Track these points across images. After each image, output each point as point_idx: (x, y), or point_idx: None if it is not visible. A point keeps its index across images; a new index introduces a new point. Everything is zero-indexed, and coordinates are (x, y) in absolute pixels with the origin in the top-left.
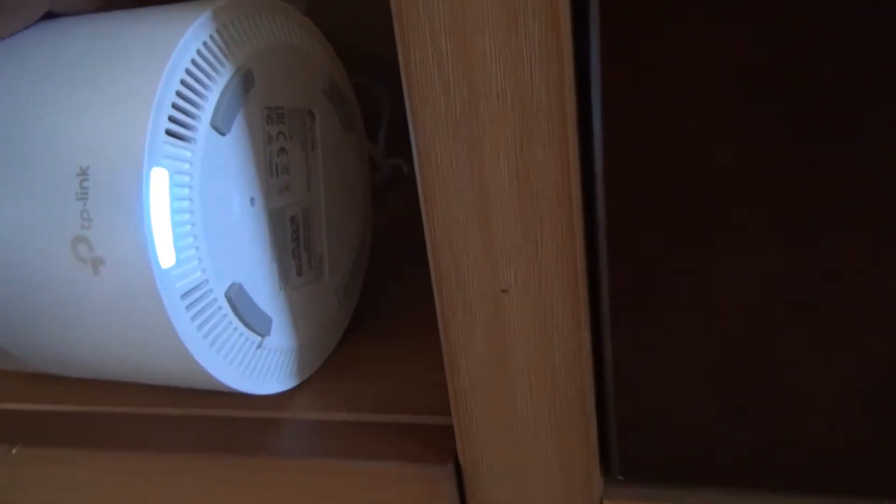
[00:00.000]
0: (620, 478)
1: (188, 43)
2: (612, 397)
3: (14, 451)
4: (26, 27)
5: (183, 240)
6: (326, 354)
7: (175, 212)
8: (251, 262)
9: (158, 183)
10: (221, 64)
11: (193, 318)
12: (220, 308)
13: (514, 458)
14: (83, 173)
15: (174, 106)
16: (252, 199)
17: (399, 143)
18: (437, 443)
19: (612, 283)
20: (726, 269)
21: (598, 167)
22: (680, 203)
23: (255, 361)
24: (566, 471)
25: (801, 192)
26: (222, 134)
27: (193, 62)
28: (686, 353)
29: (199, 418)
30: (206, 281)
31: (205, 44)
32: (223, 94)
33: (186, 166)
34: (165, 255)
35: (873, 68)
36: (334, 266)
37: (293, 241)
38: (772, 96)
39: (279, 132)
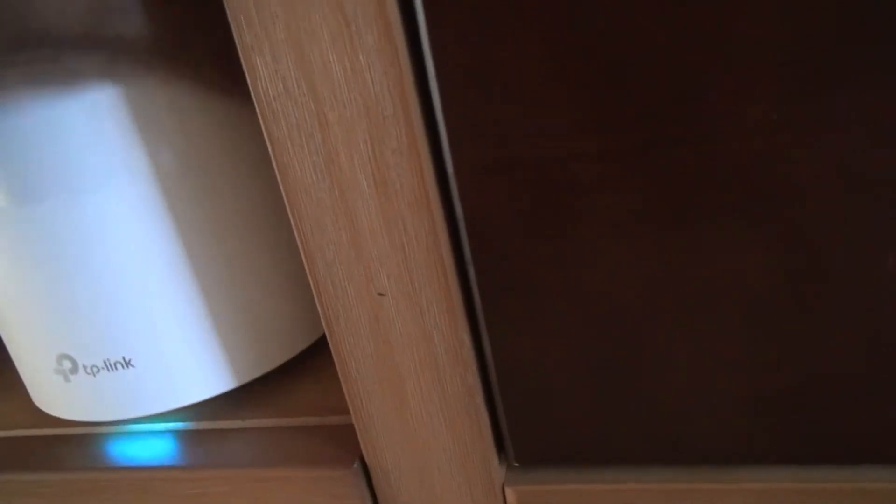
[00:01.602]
0: (517, 465)
1: None
2: (497, 388)
3: None
4: None
5: None
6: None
7: None
8: None
9: None
10: None
11: None
12: None
13: (413, 455)
14: None
15: None
16: None
17: None
18: (346, 444)
19: (479, 278)
20: (585, 254)
21: (449, 167)
22: (531, 194)
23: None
24: (465, 463)
25: (643, 176)
26: None
27: None
28: (560, 338)
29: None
30: None
31: None
32: None
33: None
34: None
35: (700, 44)
36: None
37: None
38: (599, 83)
39: None
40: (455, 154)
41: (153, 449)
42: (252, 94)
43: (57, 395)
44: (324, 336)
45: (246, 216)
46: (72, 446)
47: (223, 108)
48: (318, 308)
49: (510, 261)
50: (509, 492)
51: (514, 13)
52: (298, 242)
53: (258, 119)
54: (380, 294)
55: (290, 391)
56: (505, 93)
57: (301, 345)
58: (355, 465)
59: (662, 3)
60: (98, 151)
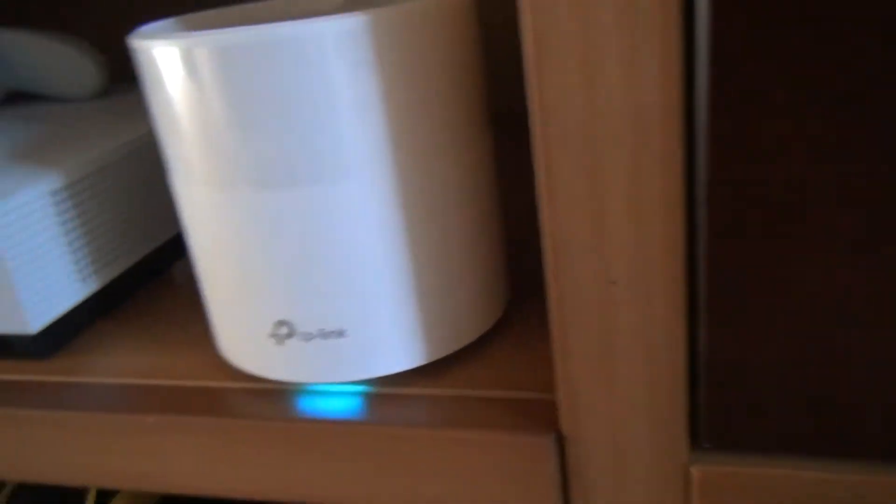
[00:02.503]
0: (707, 446)
1: None
2: (703, 377)
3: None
4: None
5: None
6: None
7: None
8: None
9: None
10: None
11: None
12: None
13: (610, 431)
14: None
15: None
16: None
17: None
18: (539, 416)
19: (709, 276)
20: (817, 267)
21: (702, 174)
22: (778, 207)
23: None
24: (657, 442)
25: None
26: None
27: None
28: (775, 337)
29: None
30: None
31: None
32: None
33: None
34: None
35: None
36: None
37: None
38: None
39: None
40: (711, 164)
41: (346, 406)
42: (534, 105)
43: (265, 357)
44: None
45: (462, 191)
46: (266, 398)
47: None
48: (551, 291)
49: (741, 262)
50: (695, 471)
51: (797, 34)
52: (546, 230)
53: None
54: (611, 282)
55: (479, 364)
56: (773, 109)
57: (492, 320)
58: (551, 435)
59: None
60: (346, 136)
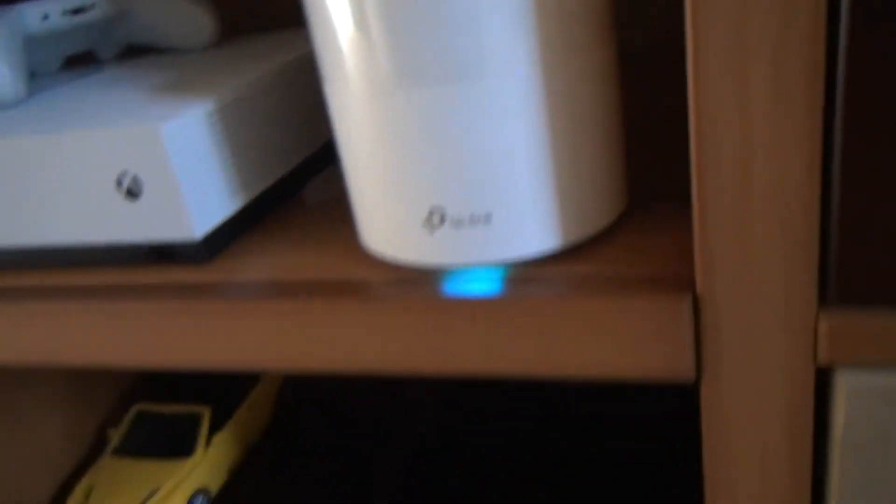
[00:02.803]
0: (836, 301)
1: None
2: (835, 234)
3: None
4: None
5: None
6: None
7: None
8: None
9: None
10: None
11: None
12: None
13: (745, 290)
14: None
15: None
16: None
17: None
18: (675, 284)
19: (845, 137)
20: None
21: (843, 41)
22: None
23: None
24: (789, 299)
25: None
26: None
27: None
28: None
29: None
30: None
31: None
32: None
33: None
34: None
35: None
36: None
37: None
38: None
39: None
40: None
41: (491, 286)
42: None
43: (417, 245)
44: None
45: (596, 85)
46: (416, 284)
47: None
48: (694, 154)
49: (877, 118)
50: (823, 326)
51: None
52: (691, 100)
53: None
54: (749, 151)
55: (612, 247)
56: None
57: (620, 209)
58: (687, 297)
59: None
60: (495, 34)
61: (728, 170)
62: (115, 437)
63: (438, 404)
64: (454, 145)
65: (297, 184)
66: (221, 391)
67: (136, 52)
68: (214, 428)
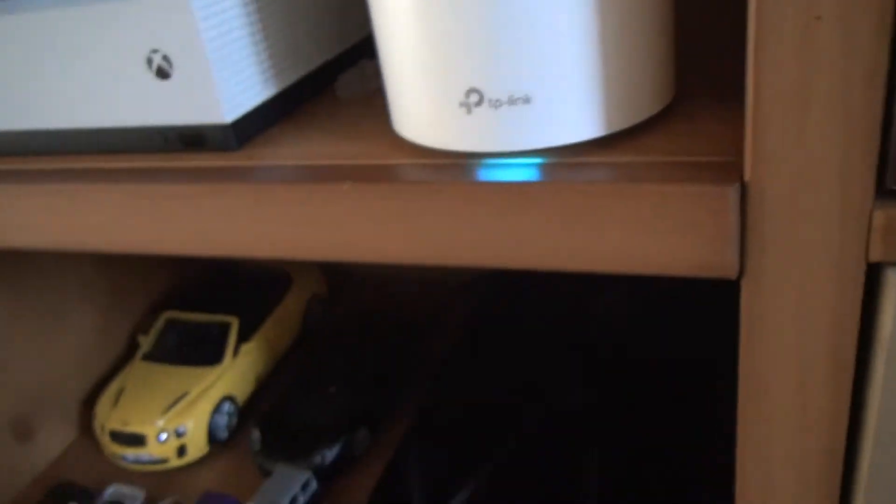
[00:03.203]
0: (892, 191)
1: None
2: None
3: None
4: None
5: None
6: None
7: None
8: None
9: None
10: None
11: None
12: None
13: (797, 178)
14: None
15: None
16: None
17: None
18: (721, 173)
19: None
20: None
21: None
22: None
23: None
24: (843, 188)
25: None
26: None
27: None
28: None
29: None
30: None
31: None
32: None
33: None
34: None
35: None
36: None
37: None
38: None
39: None
40: None
41: (528, 172)
42: None
43: (453, 128)
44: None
45: None
46: (452, 169)
47: None
48: (750, 29)
49: None
50: (878, 215)
51: None
52: None
53: None
54: (816, 18)
55: (656, 137)
56: None
57: (667, 99)
58: (735, 185)
59: None
60: None
61: (789, 38)
62: (146, 342)
63: (469, 309)
64: (494, 19)
65: (330, 78)
66: (250, 303)
67: None
68: (242, 338)
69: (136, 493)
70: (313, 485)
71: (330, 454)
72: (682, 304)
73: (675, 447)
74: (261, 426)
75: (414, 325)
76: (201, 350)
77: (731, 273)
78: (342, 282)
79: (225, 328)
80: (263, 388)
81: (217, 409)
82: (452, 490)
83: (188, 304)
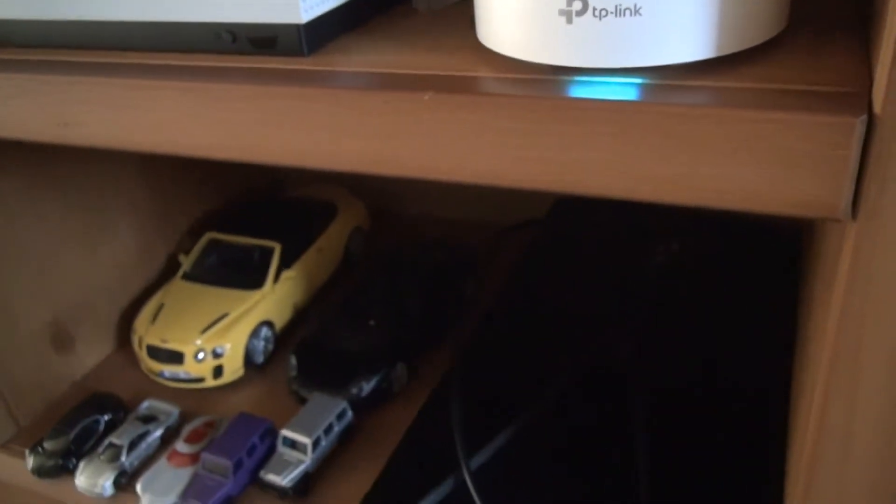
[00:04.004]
0: None
1: None
2: None
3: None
4: None
5: None
6: None
7: None
8: None
9: None
10: None
11: None
12: None
13: None
14: None
15: None
16: None
17: None
18: (843, 104)
19: None
20: None
21: None
22: None
23: None
24: None
25: None
26: None
27: None
28: None
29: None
30: None
31: None
32: None
33: None
34: None
35: None
36: None
37: None
38: None
39: None
40: None
41: (630, 91)
42: None
43: (551, 39)
44: None
45: None
46: (545, 84)
47: None
48: None
49: None
50: None
51: None
52: None
53: None
54: None
55: (770, 63)
56: None
57: (782, 25)
58: (860, 117)
59: None
60: None
61: None
62: (187, 262)
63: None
64: None
65: None
66: (294, 230)
67: None
68: (284, 264)
69: (170, 410)
70: (349, 415)
71: (367, 386)
72: (741, 261)
73: (725, 403)
74: (298, 353)
75: (460, 264)
76: (242, 273)
77: (840, 214)
78: (384, 218)
79: (267, 253)
80: (302, 316)
81: (255, 333)
82: (489, 436)
83: (232, 228)
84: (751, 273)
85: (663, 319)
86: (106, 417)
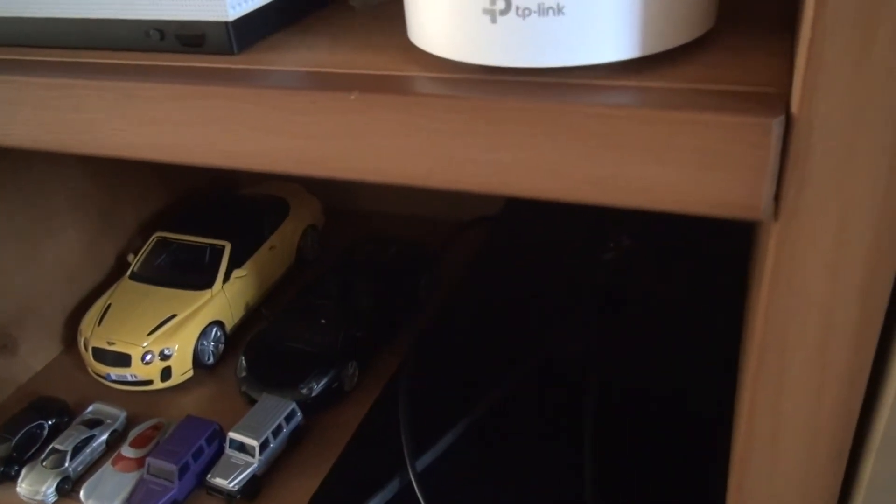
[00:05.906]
0: None
1: None
2: None
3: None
4: None
5: None
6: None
7: None
8: None
9: None
10: None
11: None
12: None
13: (851, 109)
14: None
15: None
16: None
17: None
18: (761, 104)
19: None
20: None
21: None
22: None
23: None
24: None
25: None
26: None
27: None
28: None
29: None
30: None
31: None
32: None
33: None
34: None
35: None
36: None
37: None
38: None
39: None
40: None
41: (550, 91)
42: None
43: (475, 38)
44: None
45: None
46: (469, 84)
47: None
48: None
49: None
50: None
51: None
52: None
53: None
54: None
55: (693, 63)
56: None
57: (706, 26)
58: (778, 118)
59: None
60: None
61: None
62: (135, 262)
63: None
64: None
65: None
66: (245, 228)
67: None
68: (235, 263)
69: (117, 413)
70: (298, 416)
71: (318, 386)
72: (691, 253)
73: (676, 393)
74: (248, 353)
75: (414, 261)
76: (192, 273)
77: (761, 214)
78: (339, 215)
79: (217, 252)
80: (254, 316)
81: (204, 334)
82: (438, 436)
83: (181, 227)
84: (703, 270)
85: (614, 316)
86: (50, 422)
